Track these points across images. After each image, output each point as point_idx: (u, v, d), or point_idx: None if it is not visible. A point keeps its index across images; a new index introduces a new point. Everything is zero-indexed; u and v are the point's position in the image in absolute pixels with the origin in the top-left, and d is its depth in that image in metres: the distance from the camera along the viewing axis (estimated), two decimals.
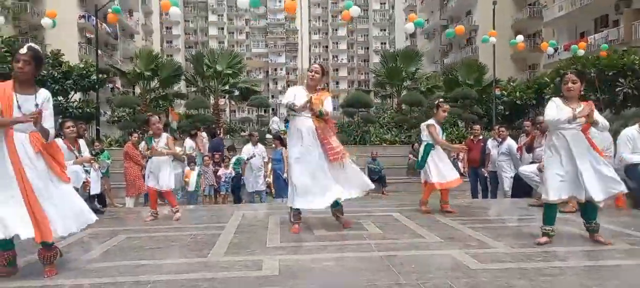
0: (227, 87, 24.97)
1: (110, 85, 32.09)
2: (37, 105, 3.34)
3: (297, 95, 4.82)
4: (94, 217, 3.66)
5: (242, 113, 62.83)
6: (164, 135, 5.88)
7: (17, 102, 3.30)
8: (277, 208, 7.24)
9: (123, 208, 8.85)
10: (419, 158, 6.11)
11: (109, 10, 14.49)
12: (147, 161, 5.84)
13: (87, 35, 36.71)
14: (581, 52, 16.68)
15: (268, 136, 20.57)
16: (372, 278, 3.23)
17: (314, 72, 4.89)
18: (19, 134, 3.30)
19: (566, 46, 23.82)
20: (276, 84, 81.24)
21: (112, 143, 17.92)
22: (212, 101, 24.63)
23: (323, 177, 4.71)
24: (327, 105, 4.82)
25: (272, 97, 70.65)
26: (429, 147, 5.92)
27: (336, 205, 4.91)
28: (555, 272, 3.36)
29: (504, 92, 22.83)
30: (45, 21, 11.54)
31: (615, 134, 6.46)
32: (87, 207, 3.68)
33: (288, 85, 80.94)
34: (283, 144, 10.02)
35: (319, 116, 4.73)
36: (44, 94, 3.46)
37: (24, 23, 30.56)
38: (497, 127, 9.82)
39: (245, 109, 59.67)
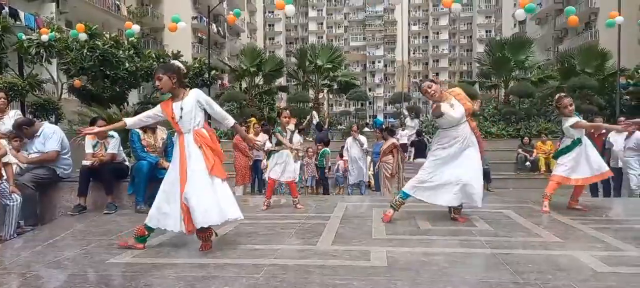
0: (326, 81, 25.45)
1: (219, 82, 34.34)
2: (182, 108, 3.73)
3: (454, 106, 4.71)
4: (237, 215, 3.82)
5: (340, 106, 63.77)
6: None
7: (172, 110, 3.80)
8: (379, 201, 7.25)
9: (235, 197, 9.42)
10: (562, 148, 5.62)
11: (231, 12, 15.61)
12: (269, 155, 6.13)
13: (199, 35, 39.60)
14: None
15: (366, 130, 20.61)
16: (485, 275, 3.11)
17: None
18: (186, 135, 3.78)
19: None
20: (374, 76, 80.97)
21: (222, 135, 19.16)
22: (312, 95, 25.26)
23: (455, 177, 4.70)
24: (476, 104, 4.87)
25: (369, 90, 70.59)
26: (577, 142, 5.43)
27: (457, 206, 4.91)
28: None
29: (630, 80, 20.47)
30: (182, 25, 13.10)
31: None
32: (235, 204, 3.88)
33: (385, 78, 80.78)
34: (392, 135, 9.94)
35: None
36: (188, 97, 3.79)
37: (145, 26, 33.82)
38: (622, 118, 8.87)
39: (342, 102, 60.48)
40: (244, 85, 25.69)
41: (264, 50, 30.57)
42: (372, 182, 11.26)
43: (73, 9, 24.64)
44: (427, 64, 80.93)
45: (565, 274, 3.13)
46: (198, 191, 3.66)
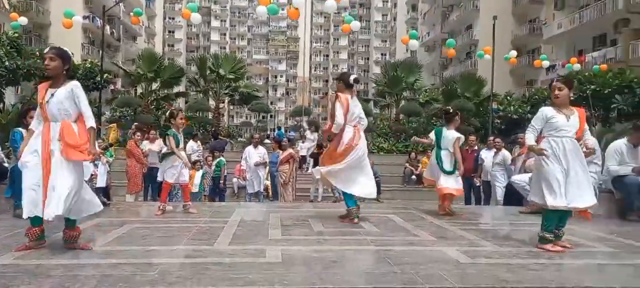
0: (228, 91, 25.23)
1: (111, 86, 32.31)
2: (52, 95, 3.65)
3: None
4: (98, 208, 3.93)
5: (241, 118, 63.29)
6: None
7: (46, 94, 3.67)
8: (276, 207, 7.48)
9: (127, 202, 9.05)
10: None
11: (131, 13, 14.96)
12: (163, 158, 6.05)
13: (90, 36, 37.03)
14: (577, 67, 17.05)
15: (267, 141, 20.84)
16: (369, 267, 3.48)
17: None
18: (53, 123, 3.65)
19: (564, 63, 24.25)
20: (276, 91, 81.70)
21: (112, 142, 18.10)
22: (212, 104, 24.86)
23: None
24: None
25: (271, 103, 71.03)
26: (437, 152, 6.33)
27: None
28: (538, 268, 3.60)
29: (500, 106, 23.14)
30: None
31: (605, 146, 6.74)
32: (95, 197, 3.95)
33: (287, 93, 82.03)
34: (281, 147, 10.32)
35: None
36: (65, 87, 3.70)
37: (29, 22, 30.82)
38: (492, 137, 10.10)
39: (244, 113, 60.14)
40: (139, 90, 24.52)
41: (163, 57, 29.38)
42: (270, 191, 11.47)
43: None
44: (327, 81, 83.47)
45: (435, 265, 3.59)
46: (66, 181, 3.56)
